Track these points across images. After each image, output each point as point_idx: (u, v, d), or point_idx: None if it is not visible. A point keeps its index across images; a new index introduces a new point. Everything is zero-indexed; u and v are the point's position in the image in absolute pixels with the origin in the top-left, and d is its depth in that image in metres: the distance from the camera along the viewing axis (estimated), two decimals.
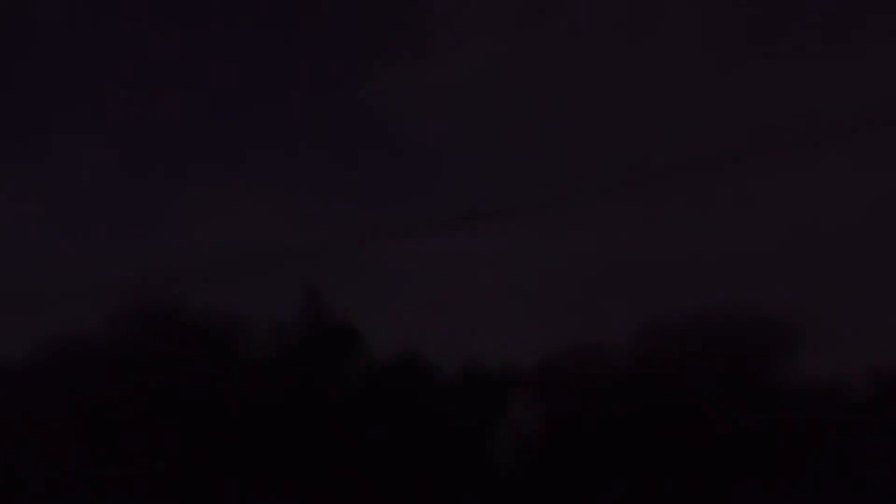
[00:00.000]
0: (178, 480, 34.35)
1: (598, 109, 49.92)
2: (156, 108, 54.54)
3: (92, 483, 34.38)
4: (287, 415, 35.55)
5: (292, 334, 38.02)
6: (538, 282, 43.26)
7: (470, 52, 55.23)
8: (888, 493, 32.46)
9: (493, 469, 35.41)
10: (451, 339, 37.38)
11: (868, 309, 36.26)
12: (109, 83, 54.49)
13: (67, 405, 35.52)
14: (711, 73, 50.57)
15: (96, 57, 55.87)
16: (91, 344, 37.40)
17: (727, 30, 51.18)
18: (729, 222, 43.63)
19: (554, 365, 36.72)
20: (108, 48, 55.66)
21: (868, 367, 35.13)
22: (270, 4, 54.33)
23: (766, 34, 50.34)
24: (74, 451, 35.07)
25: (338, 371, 37.16)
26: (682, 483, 33.27)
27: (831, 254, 39.67)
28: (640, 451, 34.03)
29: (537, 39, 54.11)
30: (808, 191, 42.68)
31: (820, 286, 37.60)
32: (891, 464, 32.86)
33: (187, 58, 56.13)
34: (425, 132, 53.46)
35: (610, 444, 34.44)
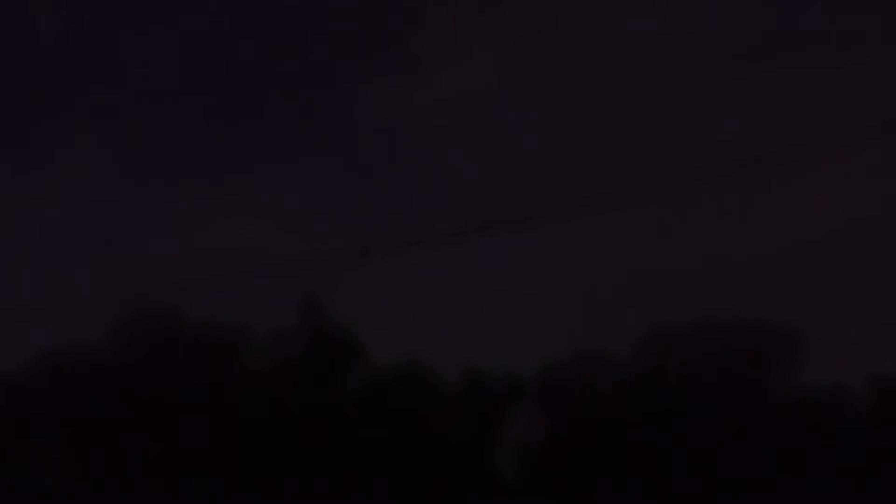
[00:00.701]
0: (178, 490, 34.23)
1: (603, 116, 50.00)
2: (155, 116, 54.54)
3: (92, 492, 34.25)
4: (287, 424, 35.45)
5: (292, 343, 37.93)
6: (540, 290, 43.25)
7: (470, 61, 55.33)
8: (890, 500, 32.42)
9: (495, 478, 35.32)
10: (454, 347, 37.36)
11: (870, 317, 36.27)
12: (110, 92, 54.49)
13: (65, 414, 35.42)
14: (715, 79, 50.67)
15: (95, 65, 55.88)
16: (90, 353, 37.30)
17: (731, 37, 51.30)
18: (731, 230, 43.66)
19: (556, 373, 36.67)
20: (108, 56, 55.67)
21: (871, 376, 35.17)
22: (270, 14, 54.42)
23: (772, 41, 50.48)
24: (73, 461, 34.96)
25: (339, 380, 37.08)
26: (685, 491, 33.20)
27: (834, 262, 39.70)
28: (643, 460, 33.96)
29: (541, 45, 54.20)
30: (812, 199, 42.73)
31: (822, 294, 37.62)
32: (892, 471, 32.83)
33: (188, 66, 56.16)
34: (426, 140, 53.49)
35: (613, 453, 34.37)
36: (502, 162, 51.91)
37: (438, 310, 42.18)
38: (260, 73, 54.24)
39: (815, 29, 48.78)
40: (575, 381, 36.43)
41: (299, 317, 37.94)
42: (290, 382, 36.65)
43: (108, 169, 54.38)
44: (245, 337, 37.75)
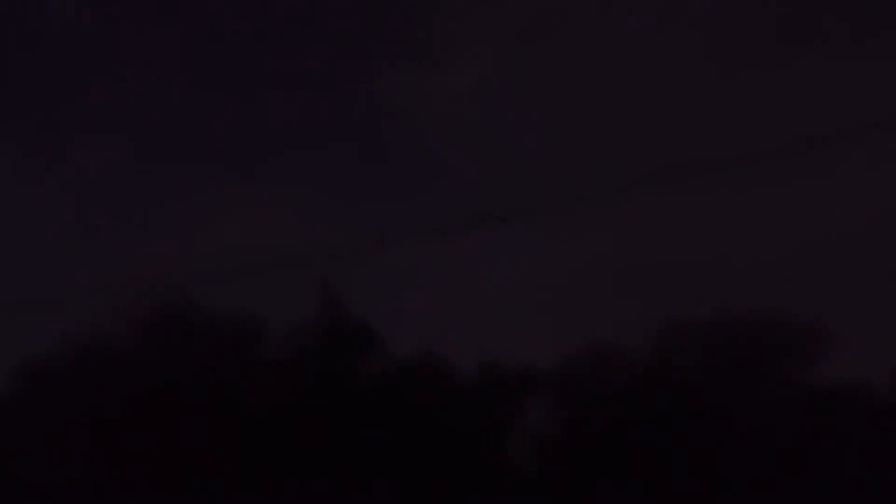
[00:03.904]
0: (195, 480, 34.42)
1: (618, 111, 49.80)
2: (173, 107, 54.82)
3: (107, 482, 34.51)
4: (304, 414, 35.56)
5: (310, 334, 38.04)
6: (556, 281, 43.17)
7: (482, 48, 55.20)
8: None
9: (510, 469, 35.30)
10: (469, 338, 37.36)
11: (890, 310, 35.95)
12: (126, 82, 54.82)
13: (84, 405, 35.69)
14: (729, 72, 50.30)
15: (111, 56, 56.21)
16: (108, 344, 37.56)
17: (738, 32, 50.93)
18: (750, 223, 43.41)
19: (572, 365, 36.59)
20: (124, 46, 55.97)
21: (891, 369, 34.86)
22: (273, 10, 54.50)
23: (788, 34, 50.10)
24: (90, 452, 35.22)
25: (355, 370, 37.15)
26: (701, 485, 33.05)
27: (853, 255, 39.37)
28: (658, 453, 33.83)
29: (553, 37, 54.04)
30: (830, 192, 42.38)
31: (841, 287, 37.33)
32: None
33: (205, 56, 56.40)
34: (444, 131, 53.47)
35: (628, 446, 34.26)
36: (522, 154, 51.85)
37: (454, 300, 42.24)
38: (262, 70, 54.45)
39: (816, 23, 48.42)
40: (589, 372, 36.36)
41: (316, 307, 38.09)
42: (305, 372, 36.78)
43: (126, 161, 54.76)
44: (262, 327, 37.94)
